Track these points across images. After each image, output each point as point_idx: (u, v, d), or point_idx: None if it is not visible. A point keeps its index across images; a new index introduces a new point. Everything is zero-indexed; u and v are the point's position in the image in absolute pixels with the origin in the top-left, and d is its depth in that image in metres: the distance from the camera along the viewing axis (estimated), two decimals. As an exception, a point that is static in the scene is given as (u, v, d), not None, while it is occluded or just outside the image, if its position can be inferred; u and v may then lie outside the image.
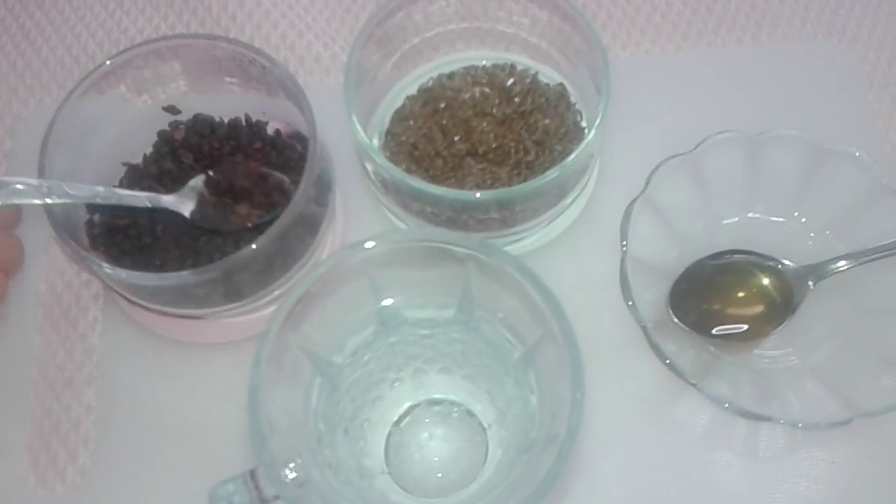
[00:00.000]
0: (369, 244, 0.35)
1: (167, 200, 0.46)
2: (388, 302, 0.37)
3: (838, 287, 0.48)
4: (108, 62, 0.46)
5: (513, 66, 0.54)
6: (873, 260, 0.47)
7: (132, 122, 0.50)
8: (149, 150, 0.51)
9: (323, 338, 0.36)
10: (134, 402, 0.49)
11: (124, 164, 0.51)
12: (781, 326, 0.47)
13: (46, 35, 0.60)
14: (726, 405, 0.43)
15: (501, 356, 0.38)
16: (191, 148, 0.51)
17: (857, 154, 0.49)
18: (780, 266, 0.48)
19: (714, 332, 0.47)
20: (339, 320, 0.37)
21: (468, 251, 0.33)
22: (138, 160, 0.51)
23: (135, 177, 0.51)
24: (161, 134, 0.51)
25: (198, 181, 0.48)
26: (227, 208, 0.47)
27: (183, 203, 0.47)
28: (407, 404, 0.42)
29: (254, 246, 0.42)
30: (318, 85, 0.58)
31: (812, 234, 0.51)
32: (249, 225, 0.47)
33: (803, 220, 0.51)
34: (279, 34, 0.59)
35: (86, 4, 0.61)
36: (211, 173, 0.48)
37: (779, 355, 0.48)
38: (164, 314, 0.47)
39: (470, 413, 0.42)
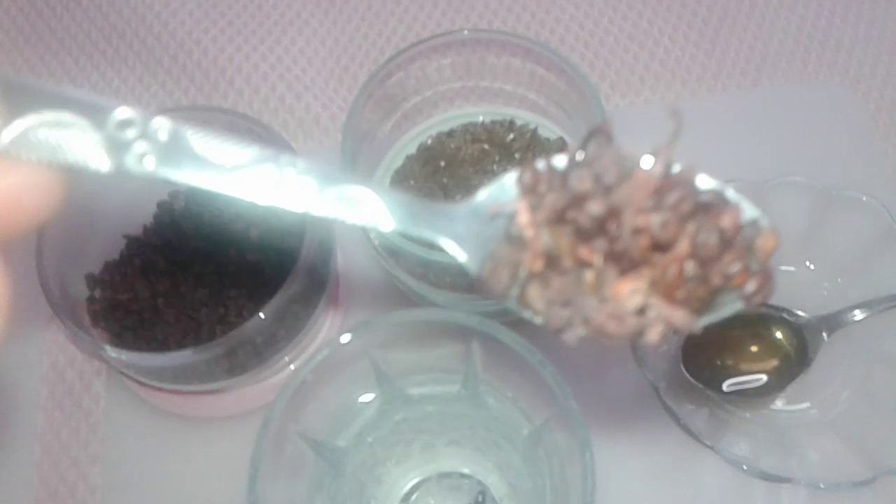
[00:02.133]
0: (366, 329, 0.34)
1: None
2: (390, 383, 0.36)
3: (853, 336, 0.47)
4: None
5: (512, 122, 0.53)
6: (889, 309, 0.46)
7: (131, 194, 0.50)
8: (149, 221, 0.51)
9: (325, 424, 0.35)
10: (140, 479, 0.48)
11: (125, 236, 0.50)
12: (797, 380, 0.46)
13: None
14: (745, 467, 0.42)
15: (510, 432, 0.37)
16: (191, 217, 0.50)
17: (865, 199, 0.48)
18: (792, 318, 0.47)
19: (726, 388, 0.46)
20: (341, 404, 0.36)
21: (471, 330, 0.32)
22: (139, 232, 0.51)
23: (136, 248, 0.50)
24: (161, 205, 0.51)
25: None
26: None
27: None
28: (415, 479, 0.41)
29: (260, 316, 0.42)
30: (317, 147, 0.58)
31: (824, 283, 0.50)
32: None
33: (813, 267, 0.50)
34: (277, 97, 0.59)
35: (83, 73, 0.61)
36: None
37: (796, 410, 0.47)
38: (167, 391, 0.46)
39: (482, 486, 0.41)
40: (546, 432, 0.34)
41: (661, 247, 0.23)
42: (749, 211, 0.25)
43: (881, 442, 0.44)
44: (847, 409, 0.46)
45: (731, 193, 0.25)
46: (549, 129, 0.53)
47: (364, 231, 0.48)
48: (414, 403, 0.37)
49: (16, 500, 0.48)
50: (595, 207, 0.23)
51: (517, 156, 0.52)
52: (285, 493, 0.33)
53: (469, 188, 0.50)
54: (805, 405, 0.47)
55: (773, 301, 0.48)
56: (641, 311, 0.24)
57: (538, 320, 0.25)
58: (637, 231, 0.23)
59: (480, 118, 0.54)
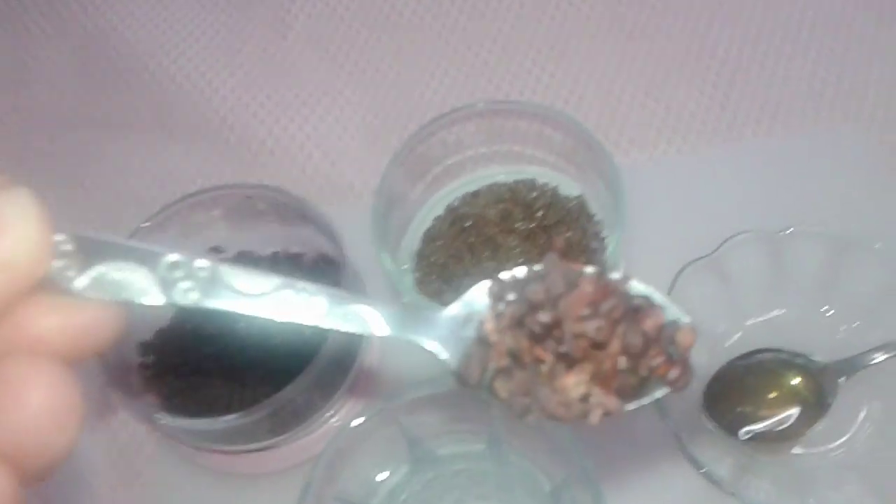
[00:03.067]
0: (397, 398, 0.37)
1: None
2: (420, 444, 0.39)
3: (871, 379, 0.48)
4: (147, 223, 0.50)
5: (534, 181, 0.56)
6: (903, 352, 0.47)
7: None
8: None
9: (359, 486, 0.38)
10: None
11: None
12: (816, 425, 0.48)
13: (98, 182, 0.65)
14: (766, 512, 0.44)
15: (533, 488, 0.39)
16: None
17: (878, 247, 0.49)
18: (810, 364, 0.49)
19: (743, 435, 0.47)
20: (373, 468, 0.39)
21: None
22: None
23: (185, 315, 0.54)
24: (206, 273, 0.55)
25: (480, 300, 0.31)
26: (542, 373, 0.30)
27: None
28: (447, 533, 0.43)
29: (301, 378, 0.44)
30: (350, 210, 0.61)
31: (840, 327, 0.51)
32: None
33: (831, 313, 0.51)
34: (313, 165, 0.63)
35: (134, 149, 0.65)
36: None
37: (817, 453, 0.48)
38: (215, 451, 0.50)
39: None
40: (565, 490, 0.36)
41: (598, 345, 0.29)
42: (672, 312, 0.30)
43: (901, 485, 0.45)
44: (867, 452, 0.47)
45: (657, 297, 0.30)
46: (569, 187, 0.56)
47: (396, 293, 0.51)
48: (443, 462, 0.40)
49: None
50: (544, 317, 0.29)
51: (539, 213, 0.54)
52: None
53: (495, 247, 0.53)
54: (825, 448, 0.48)
55: (792, 346, 0.50)
56: (585, 399, 0.29)
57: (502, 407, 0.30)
58: (578, 335, 0.29)
59: (504, 178, 0.57)
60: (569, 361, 0.29)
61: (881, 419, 0.48)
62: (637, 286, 0.30)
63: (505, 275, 0.30)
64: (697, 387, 0.49)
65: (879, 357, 0.48)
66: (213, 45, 0.70)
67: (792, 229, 0.51)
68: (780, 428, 0.48)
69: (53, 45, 0.72)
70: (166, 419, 0.44)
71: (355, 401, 0.50)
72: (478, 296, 0.30)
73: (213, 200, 0.51)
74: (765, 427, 0.48)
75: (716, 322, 0.52)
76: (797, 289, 0.52)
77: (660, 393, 0.30)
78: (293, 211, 0.51)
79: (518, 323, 0.29)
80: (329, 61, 0.68)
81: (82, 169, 0.66)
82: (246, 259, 0.54)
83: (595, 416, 0.29)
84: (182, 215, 0.52)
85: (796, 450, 0.48)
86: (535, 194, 0.55)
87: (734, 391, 0.49)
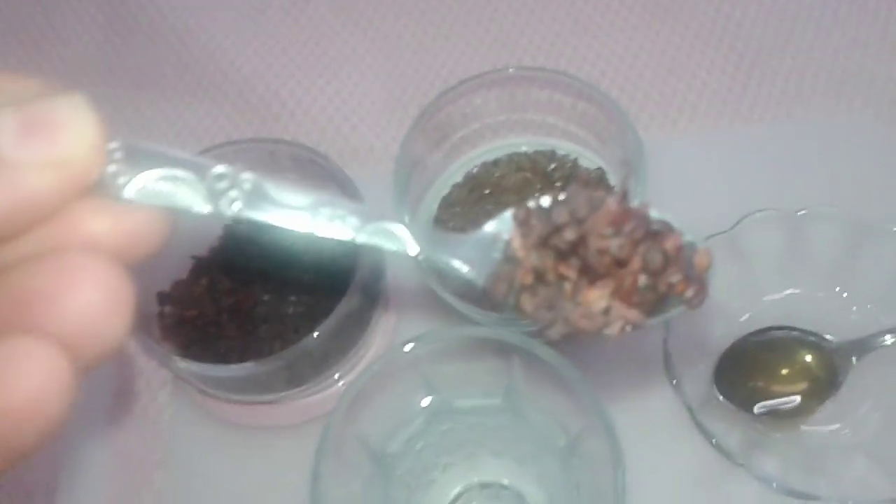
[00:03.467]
0: (418, 343, 0.38)
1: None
2: (438, 393, 0.39)
3: (884, 360, 0.49)
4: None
5: (553, 152, 0.56)
6: (916, 334, 0.48)
7: (200, 219, 0.53)
8: (215, 243, 0.55)
9: (378, 430, 0.38)
10: (202, 485, 0.51)
11: (193, 257, 0.54)
12: (826, 402, 0.48)
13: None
14: (774, 485, 0.44)
15: (548, 443, 0.40)
16: (254, 241, 0.54)
17: (894, 230, 0.49)
18: (822, 342, 0.49)
19: (756, 410, 0.48)
20: (392, 413, 0.39)
21: (512, 347, 0.35)
22: (206, 253, 0.55)
23: (202, 268, 0.54)
24: (227, 228, 0.55)
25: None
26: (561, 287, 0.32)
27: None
28: (458, 488, 0.44)
29: (315, 335, 0.45)
30: (370, 174, 0.61)
31: (854, 308, 0.51)
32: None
33: (845, 294, 0.52)
34: (334, 128, 0.63)
35: (156, 107, 0.66)
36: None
37: (828, 431, 0.48)
38: (229, 401, 0.50)
39: (520, 497, 0.43)
40: (581, 443, 0.36)
41: (620, 263, 0.31)
42: (689, 236, 0.32)
43: (909, 463, 0.45)
44: (878, 431, 0.47)
45: (676, 223, 0.32)
46: (588, 159, 0.56)
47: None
48: (460, 414, 0.40)
49: (87, 500, 0.52)
50: (569, 234, 0.31)
51: (558, 184, 0.54)
52: (343, 492, 0.36)
53: (512, 215, 0.53)
54: (836, 426, 0.48)
55: (805, 325, 0.50)
56: (606, 312, 0.31)
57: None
58: (601, 252, 0.30)
59: (524, 148, 0.57)
60: (592, 278, 0.31)
61: (890, 401, 0.48)
62: (656, 213, 0.32)
63: (531, 203, 0.32)
64: (710, 361, 0.50)
65: (891, 339, 0.48)
66: (236, 5, 0.70)
67: (808, 210, 0.51)
68: (791, 405, 0.48)
69: (79, 3, 0.72)
70: (185, 364, 0.44)
71: (370, 359, 0.51)
72: (504, 221, 0.32)
73: (235, 154, 0.51)
74: (775, 403, 0.48)
75: (731, 298, 0.52)
76: (812, 269, 0.52)
77: (677, 311, 0.32)
78: (316, 167, 0.51)
79: (543, 242, 0.31)
80: (352, 26, 0.68)
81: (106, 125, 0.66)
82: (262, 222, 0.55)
83: (615, 328, 0.31)
84: (204, 168, 0.52)
85: (805, 427, 0.48)
86: (554, 165, 0.55)
87: (746, 366, 0.49)
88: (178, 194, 0.26)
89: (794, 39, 0.64)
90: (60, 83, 0.24)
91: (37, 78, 0.24)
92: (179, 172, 0.26)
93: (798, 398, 0.48)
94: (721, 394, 0.48)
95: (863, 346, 0.49)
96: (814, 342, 0.49)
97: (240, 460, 0.52)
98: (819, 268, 0.52)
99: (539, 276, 0.31)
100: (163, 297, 0.52)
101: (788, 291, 0.52)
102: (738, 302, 0.52)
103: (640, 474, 0.47)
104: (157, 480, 0.52)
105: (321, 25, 0.68)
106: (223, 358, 0.50)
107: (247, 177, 0.27)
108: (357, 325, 0.49)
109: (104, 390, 0.55)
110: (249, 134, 0.63)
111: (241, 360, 0.49)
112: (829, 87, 0.62)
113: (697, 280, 0.32)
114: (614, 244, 0.30)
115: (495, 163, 0.57)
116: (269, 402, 0.49)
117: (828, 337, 0.49)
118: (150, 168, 0.25)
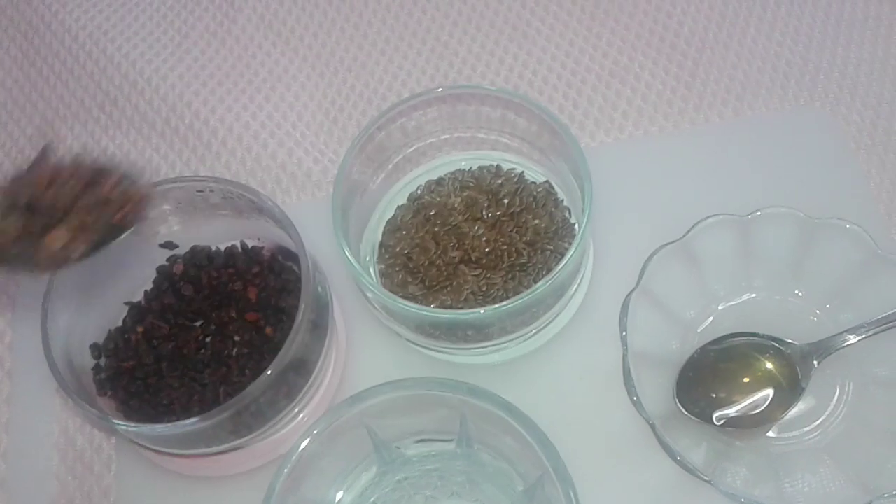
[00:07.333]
0: (361, 400, 0.36)
1: None
2: (387, 447, 0.37)
3: (844, 361, 0.48)
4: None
5: (499, 167, 0.55)
6: (877, 332, 0.47)
7: (131, 262, 0.51)
8: (149, 286, 0.52)
9: (325, 492, 0.36)
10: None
11: (126, 303, 0.52)
12: (790, 408, 0.47)
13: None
14: (742, 500, 0.43)
15: (506, 487, 0.38)
16: (190, 280, 0.52)
17: (848, 226, 0.49)
18: (783, 347, 0.48)
19: (718, 420, 0.46)
20: (340, 472, 0.37)
21: (460, 398, 0.33)
22: (139, 298, 0.52)
23: (137, 314, 0.51)
24: (160, 269, 0.52)
25: None
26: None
27: None
28: (419, 531, 0.42)
29: (269, 372, 0.42)
30: (310, 200, 0.59)
31: (812, 310, 0.50)
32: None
33: (802, 295, 0.51)
34: (269, 154, 0.60)
35: (78, 140, 0.62)
36: None
37: (792, 437, 0.48)
38: (173, 455, 0.47)
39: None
40: (539, 489, 0.35)
41: (66, 210, 0.40)
42: (129, 176, 0.42)
43: (876, 466, 0.44)
44: (842, 434, 0.47)
45: (117, 168, 0.41)
46: (535, 172, 0.54)
47: (359, 287, 0.49)
48: (413, 463, 0.38)
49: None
50: (23, 198, 0.40)
51: (505, 201, 0.53)
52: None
53: (460, 236, 0.51)
54: (800, 432, 0.48)
55: (765, 328, 0.49)
56: (64, 248, 0.40)
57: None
58: (48, 205, 0.40)
59: (468, 165, 0.55)
60: (52, 225, 0.40)
61: (854, 400, 0.48)
62: (105, 161, 0.41)
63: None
64: (670, 374, 0.48)
65: (852, 339, 0.47)
66: (159, 28, 0.67)
67: (761, 212, 0.50)
68: (755, 412, 0.47)
69: (-9, 33, 0.68)
70: (124, 425, 0.42)
71: (321, 398, 0.48)
72: None
73: (162, 195, 0.48)
74: (739, 412, 0.47)
75: (687, 307, 0.51)
76: (768, 271, 0.51)
77: (119, 232, 0.41)
78: (247, 203, 0.48)
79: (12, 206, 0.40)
80: (282, 45, 0.66)
81: (26, 162, 0.62)
82: (199, 255, 0.52)
83: (77, 253, 0.40)
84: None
85: (771, 434, 0.48)
86: (500, 181, 0.54)
87: (707, 377, 0.48)
88: None
89: (736, 35, 0.63)
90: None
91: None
92: None
93: (762, 406, 0.47)
94: (683, 407, 0.47)
95: (824, 348, 0.48)
96: (774, 347, 0.48)
97: (191, 513, 0.49)
98: (775, 270, 0.51)
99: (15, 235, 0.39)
100: (96, 349, 0.49)
101: (746, 297, 0.51)
102: (695, 310, 0.51)
103: (604, 499, 0.46)
104: (107, 539, 0.49)
105: (250, 46, 0.66)
106: (167, 409, 0.47)
107: None
108: (303, 366, 0.46)
109: (47, 446, 0.52)
110: (179, 165, 0.60)
111: (185, 409, 0.47)
112: (774, 81, 0.61)
113: (127, 206, 0.41)
114: (48, 195, 0.39)
115: (439, 181, 0.55)
116: (215, 455, 0.47)
117: (788, 340, 0.48)
118: None
